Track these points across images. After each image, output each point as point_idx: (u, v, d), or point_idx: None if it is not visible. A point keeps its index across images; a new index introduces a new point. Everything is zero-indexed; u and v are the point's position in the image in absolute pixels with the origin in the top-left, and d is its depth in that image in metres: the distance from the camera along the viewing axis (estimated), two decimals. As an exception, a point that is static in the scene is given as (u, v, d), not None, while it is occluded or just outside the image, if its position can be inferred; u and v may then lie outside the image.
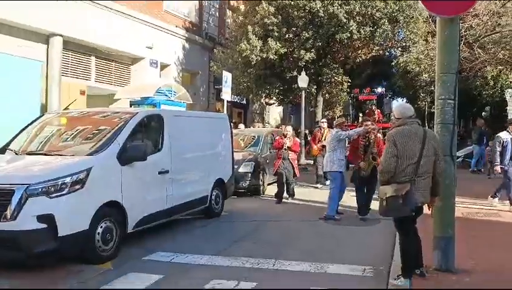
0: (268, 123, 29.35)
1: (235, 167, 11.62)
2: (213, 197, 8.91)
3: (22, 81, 14.08)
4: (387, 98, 18.95)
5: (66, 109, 8.55)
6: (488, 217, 8.89)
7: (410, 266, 4.96)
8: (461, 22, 14.99)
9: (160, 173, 7.22)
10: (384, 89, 22.35)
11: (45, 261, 5.66)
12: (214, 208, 8.97)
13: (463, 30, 14.16)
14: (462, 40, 14.50)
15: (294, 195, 11.28)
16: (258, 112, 29.73)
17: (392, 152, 4.74)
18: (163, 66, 21.01)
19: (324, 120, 14.69)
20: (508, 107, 10.64)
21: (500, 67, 18.92)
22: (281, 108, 32.26)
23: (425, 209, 5.23)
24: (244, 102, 27.53)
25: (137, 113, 7.15)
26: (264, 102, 27.70)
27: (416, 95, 26.10)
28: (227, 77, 16.74)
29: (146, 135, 7.21)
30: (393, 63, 24.15)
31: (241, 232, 7.96)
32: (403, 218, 4.89)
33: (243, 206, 10.42)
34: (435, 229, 5.46)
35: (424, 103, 25.81)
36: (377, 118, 21.54)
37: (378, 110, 25.27)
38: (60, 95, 15.27)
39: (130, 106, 14.12)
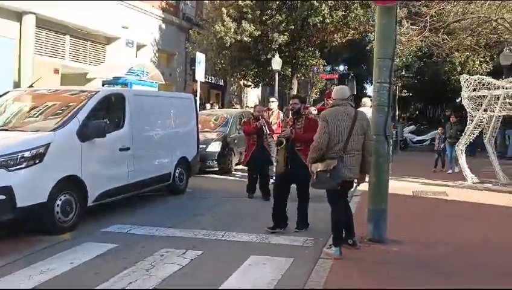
0: (248, 106, 29.67)
1: (204, 146, 12.03)
2: (176, 174, 9.27)
3: (-6, 59, 14.15)
4: (350, 77, 18.36)
5: (30, 86, 8.75)
6: (435, 196, 9.46)
7: (340, 236, 5.40)
8: (427, 8, 15.47)
9: (121, 149, 7.55)
10: (346, 67, 21.23)
11: (8, 231, 6.01)
12: (177, 185, 9.33)
13: (428, 16, 14.54)
14: (427, 25, 14.96)
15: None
16: (236, 93, 29.98)
17: (325, 129, 5.14)
18: (140, 46, 21.08)
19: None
20: (462, 92, 11.09)
21: (468, 53, 19.46)
22: (259, 90, 32.53)
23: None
24: (222, 84, 27.75)
25: (98, 92, 7.45)
26: (241, 84, 27.94)
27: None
28: (200, 58, 16.98)
29: (107, 113, 7.51)
30: (367, 48, 24.56)
31: (201, 208, 8.35)
32: (332, 191, 5.31)
33: (209, 185, 10.81)
34: (369, 203, 5.93)
35: (395, 86, 26.27)
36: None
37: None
38: (33, 73, 15.34)
39: (103, 86, 14.30)
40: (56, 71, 17.04)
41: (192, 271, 4.98)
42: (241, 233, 6.44)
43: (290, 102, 6.80)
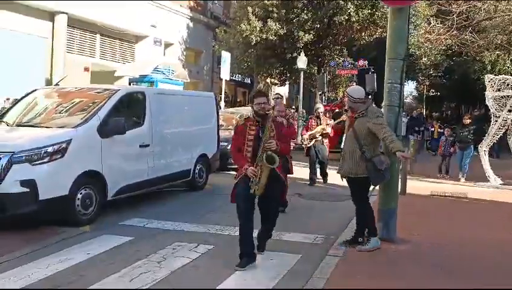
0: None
1: (226, 144, 12.21)
2: (196, 171, 9.48)
3: (28, 57, 14.72)
4: (370, 73, 17.41)
5: (56, 84, 9.12)
6: (454, 196, 9.37)
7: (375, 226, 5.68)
8: (456, 5, 15.24)
9: (141, 146, 7.79)
10: (367, 62, 19.65)
11: (32, 222, 6.34)
12: (196, 181, 9.55)
13: (455, 15, 14.33)
14: (454, 24, 14.74)
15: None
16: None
17: None
18: (167, 45, 21.51)
19: (320, 106, 11.88)
20: (486, 92, 10.93)
21: (498, 52, 19.04)
22: (286, 88, 32.61)
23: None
24: (249, 82, 27.97)
25: (119, 90, 7.71)
26: (269, 82, 28.09)
27: (416, 78, 26.32)
28: (225, 57, 17.20)
29: (127, 111, 7.76)
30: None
31: (218, 204, 8.52)
32: (369, 187, 5.63)
33: (229, 182, 10.92)
34: (379, 203, 5.97)
35: (422, 86, 25.96)
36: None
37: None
38: (64, 71, 15.88)
39: (129, 84, 14.68)
40: (86, 69, 17.61)
41: (201, 264, 5.16)
42: (254, 230, 6.57)
43: (257, 100, 4.99)
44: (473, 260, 5.39)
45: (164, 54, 20.92)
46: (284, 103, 29.03)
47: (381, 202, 5.94)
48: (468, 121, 11.98)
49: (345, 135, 6.10)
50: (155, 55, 19.78)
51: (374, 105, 5.74)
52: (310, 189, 10.16)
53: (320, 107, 11.15)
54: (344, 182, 5.84)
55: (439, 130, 12.68)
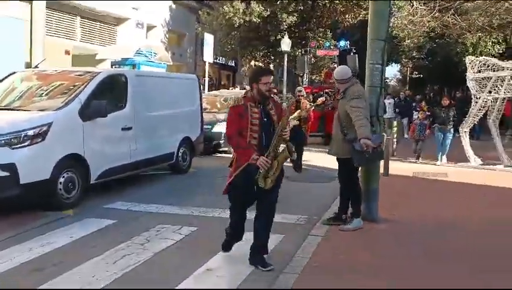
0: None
1: (210, 126, 12.20)
2: (180, 154, 9.45)
3: (6, 40, 14.39)
4: (351, 54, 16.91)
5: (36, 67, 8.96)
6: (435, 177, 9.53)
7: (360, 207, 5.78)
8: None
9: (123, 129, 7.74)
10: (348, 42, 19.00)
11: (14, 206, 6.30)
12: (180, 164, 9.52)
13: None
14: (437, 6, 14.79)
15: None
16: (246, 74, 30.03)
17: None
18: (150, 27, 21.23)
19: (301, 88, 11.58)
20: (467, 74, 11.04)
21: (480, 34, 19.19)
22: (271, 71, 32.49)
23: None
24: (233, 64, 27.82)
25: (101, 72, 7.62)
26: (253, 64, 27.97)
27: (399, 60, 26.45)
28: (209, 39, 17.06)
29: (109, 94, 7.68)
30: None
31: (202, 186, 8.54)
32: (357, 168, 5.75)
33: (213, 164, 10.98)
34: (361, 183, 6.02)
35: (406, 68, 26.12)
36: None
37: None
38: (44, 53, 15.58)
39: (111, 67, 14.52)
40: (67, 52, 17.31)
41: (185, 246, 5.19)
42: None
43: (264, 79, 4.34)
44: (451, 239, 5.50)
45: (146, 37, 20.64)
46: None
47: (363, 183, 6.00)
48: (447, 102, 11.71)
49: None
50: (137, 38, 19.50)
51: (359, 85, 5.69)
52: (293, 171, 10.20)
53: (301, 90, 10.81)
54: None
55: (427, 113, 12.41)
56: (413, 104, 18.28)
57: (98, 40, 18.89)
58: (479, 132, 15.65)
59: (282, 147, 4.35)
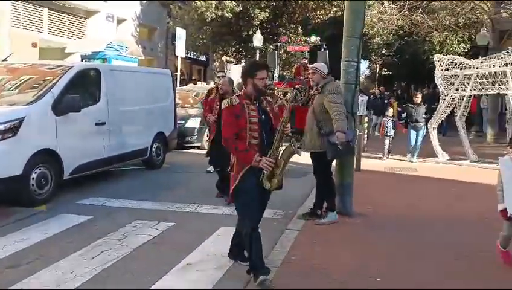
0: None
1: (182, 122, 12.15)
2: (153, 149, 9.40)
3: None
4: (322, 49, 16.98)
5: (4, 60, 8.74)
6: (405, 172, 9.80)
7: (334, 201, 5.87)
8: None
9: (97, 124, 7.65)
10: (319, 38, 18.93)
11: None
12: (154, 159, 9.47)
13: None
14: (406, 5, 15.11)
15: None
16: (218, 69, 29.95)
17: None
18: (120, 21, 20.92)
19: (270, 82, 10.60)
20: (435, 71, 11.35)
21: (446, 33, 19.70)
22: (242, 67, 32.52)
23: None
24: (204, 59, 27.70)
25: (73, 66, 7.49)
26: (224, 60, 27.92)
27: (369, 57, 26.93)
28: (180, 33, 16.93)
29: (82, 88, 7.56)
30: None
31: (176, 182, 8.53)
32: (331, 161, 5.85)
33: (186, 160, 10.97)
34: (336, 178, 6.15)
35: (375, 65, 26.60)
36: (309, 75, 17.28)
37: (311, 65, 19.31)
38: (11, 46, 15.18)
39: (81, 60, 14.25)
40: (34, 45, 16.89)
41: (164, 241, 5.19)
42: (213, 206, 6.65)
43: (260, 74, 4.06)
44: (421, 231, 5.68)
45: (117, 30, 20.34)
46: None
47: (338, 178, 6.12)
48: (420, 99, 11.41)
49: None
50: (107, 31, 19.20)
51: (336, 82, 5.83)
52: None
53: (270, 84, 10.62)
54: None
55: (398, 109, 12.39)
56: (386, 102, 18.45)
57: (67, 32, 18.50)
58: (446, 128, 16.09)
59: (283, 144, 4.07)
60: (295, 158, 4.26)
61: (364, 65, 36.16)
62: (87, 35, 18.90)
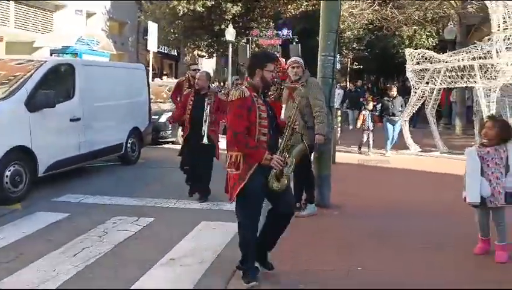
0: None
1: (156, 117, 12.06)
2: (129, 145, 9.32)
3: None
4: (294, 43, 16.90)
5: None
6: (379, 164, 10.01)
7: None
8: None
9: (71, 120, 7.54)
10: (291, 31, 18.69)
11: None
12: (129, 155, 9.39)
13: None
14: (376, 0, 15.35)
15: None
16: (190, 62, 29.73)
17: None
18: (89, 15, 20.54)
19: (237, 76, 11.81)
20: (406, 65, 11.62)
21: (415, 27, 20.12)
22: (214, 61, 32.39)
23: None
24: (176, 54, 27.47)
25: (46, 61, 7.35)
26: (196, 54, 27.76)
27: (340, 51, 27.18)
28: (152, 28, 16.75)
29: (56, 83, 7.43)
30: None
31: (153, 177, 8.50)
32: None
33: (161, 155, 10.90)
34: (314, 170, 6.24)
35: (346, 59, 26.95)
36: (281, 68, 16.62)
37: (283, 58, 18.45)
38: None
39: (51, 55, 13.95)
40: (0, 39, 16.44)
41: (145, 237, 5.18)
42: (192, 201, 6.66)
43: (269, 67, 3.89)
44: (396, 220, 5.85)
45: (86, 24, 19.96)
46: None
47: (316, 170, 6.22)
48: (395, 92, 11.32)
49: (284, 105, 6.22)
50: (76, 25, 18.80)
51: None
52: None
53: (238, 78, 10.45)
54: None
55: (373, 103, 12.47)
56: (361, 99, 18.58)
57: (34, 26, 18.05)
58: (416, 120, 16.46)
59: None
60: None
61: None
62: (56, 30, 18.49)
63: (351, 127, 16.14)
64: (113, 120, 8.82)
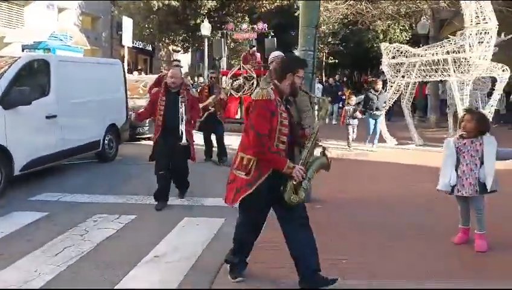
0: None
1: (133, 113, 11.89)
2: (106, 141, 9.19)
3: None
4: (270, 37, 16.88)
5: None
6: (357, 158, 10.13)
7: None
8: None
9: (47, 117, 7.38)
10: (266, 25, 18.56)
11: None
12: (107, 152, 9.26)
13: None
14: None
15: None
16: (164, 59, 29.46)
17: None
18: (61, 9, 20.10)
19: (213, 70, 11.33)
20: (382, 59, 11.77)
21: (389, 22, 20.36)
22: (189, 56, 32.14)
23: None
24: (151, 49, 27.17)
25: (20, 58, 7.18)
26: (170, 49, 27.49)
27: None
28: (127, 23, 16.51)
29: (31, 80, 7.27)
30: (296, 14, 24.88)
31: (132, 174, 8.40)
32: None
33: (138, 152, 10.75)
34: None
35: (322, 53, 27.12)
36: (256, 63, 15.41)
37: (258, 53, 16.76)
38: None
39: (22, 50, 13.59)
40: (-33, 34, 15.95)
41: (128, 234, 5.12)
42: (173, 197, 6.59)
43: (301, 72, 3.66)
44: (378, 212, 5.94)
45: (57, 19, 19.52)
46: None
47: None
48: (381, 87, 11.25)
49: None
50: (47, 20, 18.38)
51: None
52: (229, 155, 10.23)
53: (214, 72, 10.03)
54: None
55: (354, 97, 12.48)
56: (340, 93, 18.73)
57: (4, 21, 17.57)
58: (390, 114, 16.69)
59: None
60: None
61: (310, 53, 37.06)
62: (27, 25, 18.04)
63: (334, 122, 16.29)
64: (90, 117, 8.67)
